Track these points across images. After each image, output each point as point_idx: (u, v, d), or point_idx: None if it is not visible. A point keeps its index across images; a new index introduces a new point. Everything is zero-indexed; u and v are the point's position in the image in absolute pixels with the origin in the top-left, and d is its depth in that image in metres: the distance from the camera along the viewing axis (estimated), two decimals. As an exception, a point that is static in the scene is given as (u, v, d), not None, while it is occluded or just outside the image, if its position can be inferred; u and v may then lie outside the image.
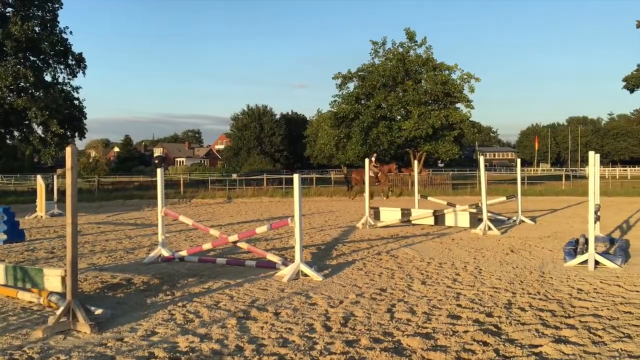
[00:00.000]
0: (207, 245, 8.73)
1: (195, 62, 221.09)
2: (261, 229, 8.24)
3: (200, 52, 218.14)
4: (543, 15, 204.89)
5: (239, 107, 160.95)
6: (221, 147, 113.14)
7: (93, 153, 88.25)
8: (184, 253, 8.84)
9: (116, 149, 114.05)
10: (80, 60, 30.69)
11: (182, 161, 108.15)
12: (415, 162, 17.47)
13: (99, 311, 5.38)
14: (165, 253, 8.85)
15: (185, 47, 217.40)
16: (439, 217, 13.22)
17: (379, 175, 25.00)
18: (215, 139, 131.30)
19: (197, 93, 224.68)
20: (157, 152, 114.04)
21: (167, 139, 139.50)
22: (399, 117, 36.43)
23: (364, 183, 24.26)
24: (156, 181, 9.28)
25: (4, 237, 11.35)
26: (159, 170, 9.13)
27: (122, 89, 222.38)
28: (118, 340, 4.72)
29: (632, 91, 44.97)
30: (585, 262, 7.84)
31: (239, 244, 8.78)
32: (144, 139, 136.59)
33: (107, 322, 5.24)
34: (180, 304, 5.99)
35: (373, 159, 24.31)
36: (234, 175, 44.61)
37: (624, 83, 44.77)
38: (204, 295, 6.38)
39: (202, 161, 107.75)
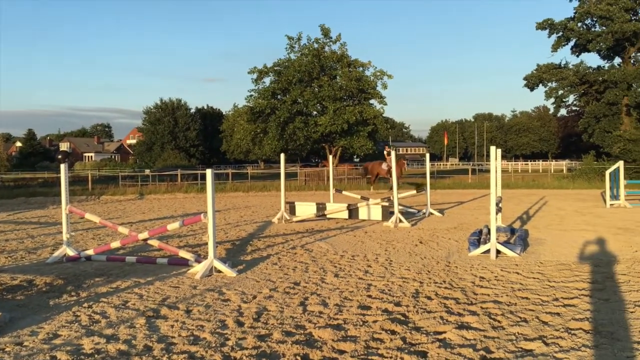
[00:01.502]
0: (115, 244, 8.41)
1: (104, 54, 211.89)
2: (173, 226, 8.04)
3: (110, 43, 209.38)
4: (453, 15, 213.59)
5: (152, 100, 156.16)
6: (133, 141, 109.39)
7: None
8: (90, 252, 8.48)
9: (18, 144, 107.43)
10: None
11: (91, 156, 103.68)
12: (331, 157, 17.65)
13: (-5, 316, 5.06)
14: (71, 252, 8.45)
15: (92, 38, 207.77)
16: (352, 211, 13.47)
17: (391, 169, 24.10)
18: (126, 133, 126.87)
19: (107, 86, 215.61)
20: (63, 146, 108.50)
21: (75, 133, 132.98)
22: (315, 113, 36.78)
23: (376, 177, 25.16)
24: (60, 177, 8.82)
25: None
26: (62, 166, 8.69)
27: (24, 80, 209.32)
28: (17, 345, 4.47)
29: (532, 89, 47.89)
30: (488, 251, 8.28)
31: (149, 242, 8.54)
32: (50, 133, 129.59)
33: (6, 326, 4.95)
34: (85, 304, 5.75)
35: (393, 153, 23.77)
36: (147, 171, 43.21)
37: (525, 82, 47.55)
38: (112, 295, 6.16)
39: (113, 156, 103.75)
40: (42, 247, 9.97)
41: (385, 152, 25.85)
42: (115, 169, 60.91)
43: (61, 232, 9.12)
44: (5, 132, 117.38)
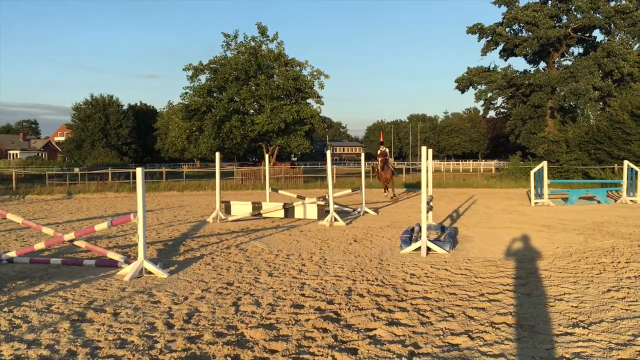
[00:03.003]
0: (39, 245, 8.05)
1: (30, 47, 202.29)
2: (101, 226, 7.78)
3: (37, 35, 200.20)
4: (388, 16, 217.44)
5: (81, 96, 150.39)
6: (61, 139, 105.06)
7: None
8: (12, 254, 8.07)
9: None
10: None
11: (16, 154, 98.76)
12: (267, 155, 17.58)
13: None
14: (-10, 255, 8.02)
15: (19, 31, 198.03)
16: (288, 210, 13.48)
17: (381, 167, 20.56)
18: (54, 130, 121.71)
19: (33, 80, 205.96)
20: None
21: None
22: (252, 111, 36.50)
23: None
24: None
25: None
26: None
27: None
28: None
29: (463, 92, 49.47)
30: (419, 249, 8.49)
31: (76, 243, 8.23)
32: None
33: None
34: (6, 309, 5.47)
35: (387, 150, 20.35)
36: (76, 170, 41.63)
37: (456, 84, 49.07)
38: (35, 299, 5.89)
39: (40, 154, 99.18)
40: (-42, 250, 9.41)
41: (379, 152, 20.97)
42: (42, 167, 58.26)
43: (-20, 234, 8.64)
44: None
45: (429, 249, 8.50)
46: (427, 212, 9.29)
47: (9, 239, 10.74)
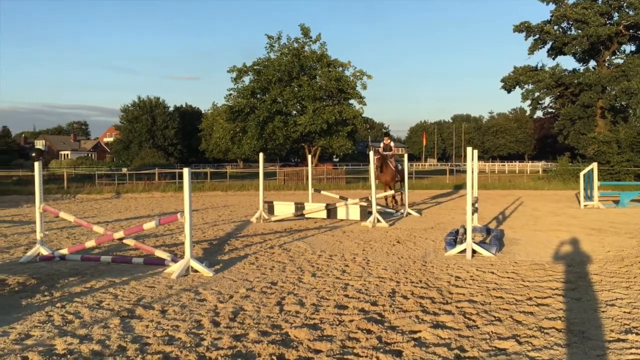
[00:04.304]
0: (90, 243, 8.31)
1: (81, 51, 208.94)
2: (149, 225, 7.97)
3: (87, 40, 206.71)
4: (433, 16, 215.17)
5: (129, 98, 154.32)
6: (110, 139, 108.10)
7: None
8: (64, 251, 8.36)
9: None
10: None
11: (67, 154, 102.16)
12: (310, 156, 17.66)
13: (-35, 316, 4.96)
14: (44, 252, 8.32)
15: (69, 35, 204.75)
16: (331, 211, 13.49)
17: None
18: (103, 131, 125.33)
19: (83, 83, 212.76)
20: (39, 144, 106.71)
21: (50, 131, 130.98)
22: (294, 112, 36.76)
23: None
24: (35, 175, 8.67)
25: None
26: (36, 164, 8.54)
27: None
28: (-13, 346, 4.39)
29: (509, 91, 48.48)
30: (464, 251, 8.36)
31: (125, 241, 8.46)
32: (25, 131, 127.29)
33: (-25, 327, 4.85)
34: (59, 304, 5.67)
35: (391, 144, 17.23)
36: (124, 170, 42.78)
37: (502, 84, 48.13)
38: (86, 295, 6.08)
39: (90, 154, 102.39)
40: (15, 246, 9.80)
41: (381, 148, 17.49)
42: (92, 167, 60.15)
43: (35, 231, 8.97)
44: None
45: (474, 251, 8.36)
46: (473, 213, 9.14)
47: (61, 237, 11.11)
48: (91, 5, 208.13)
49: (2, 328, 4.85)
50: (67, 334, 4.67)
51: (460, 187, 26.79)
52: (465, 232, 8.85)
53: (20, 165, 70.57)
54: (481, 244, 8.85)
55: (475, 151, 9.64)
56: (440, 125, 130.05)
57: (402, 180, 16.50)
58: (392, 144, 17.22)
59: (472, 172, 9.12)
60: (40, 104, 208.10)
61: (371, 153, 14.14)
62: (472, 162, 9.16)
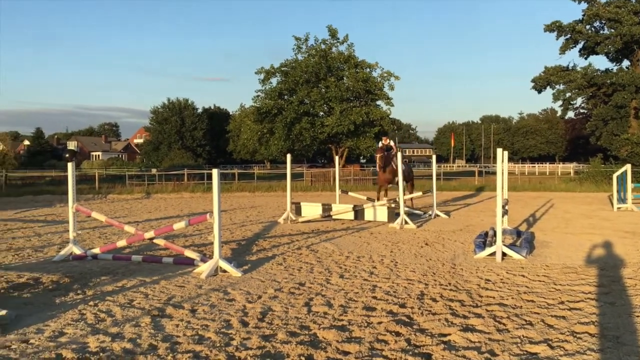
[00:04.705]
0: (121, 243, 8.46)
1: (112, 53, 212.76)
2: (179, 225, 8.07)
3: (117, 43, 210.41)
4: (461, 16, 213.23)
5: (159, 100, 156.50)
6: (140, 141, 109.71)
7: (0, 146, 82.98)
8: (96, 251, 8.52)
9: (26, 142, 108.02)
10: (-16, 47, 28.77)
11: (99, 155, 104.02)
12: (337, 157, 17.68)
13: (2, 312, 5.08)
14: (77, 251, 8.49)
15: (100, 38, 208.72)
16: (358, 212, 13.47)
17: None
18: (133, 132, 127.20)
19: (115, 85, 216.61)
20: (71, 145, 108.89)
21: (82, 132, 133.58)
22: (321, 113, 36.81)
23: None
24: (68, 176, 8.86)
25: None
26: (69, 165, 8.73)
27: (33, 79, 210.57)
28: (23, 342, 4.49)
29: (539, 92, 47.71)
30: (494, 254, 8.26)
31: (155, 241, 8.58)
32: (57, 132, 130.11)
33: (12, 323, 4.97)
34: (91, 303, 5.78)
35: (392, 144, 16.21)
36: (154, 170, 43.42)
37: (533, 84, 47.40)
38: (118, 294, 6.18)
39: (120, 155, 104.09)
40: (48, 245, 10.02)
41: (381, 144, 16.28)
42: (123, 168, 61.17)
43: (68, 231, 9.17)
44: (13, 131, 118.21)
45: (504, 254, 8.25)
46: (503, 216, 9.02)
47: (93, 237, 11.33)
48: (122, 7, 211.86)
49: (37, 325, 4.96)
50: (99, 332, 4.75)
51: (489, 189, 26.46)
52: (495, 235, 8.74)
53: (53, 166, 72.12)
54: (511, 246, 8.73)
55: (506, 152, 9.52)
56: (468, 126, 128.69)
57: (411, 182, 16.36)
58: (391, 143, 16.22)
59: (502, 173, 9.01)
60: (73, 106, 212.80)
61: (379, 149, 14.53)
62: (502, 163, 9.05)
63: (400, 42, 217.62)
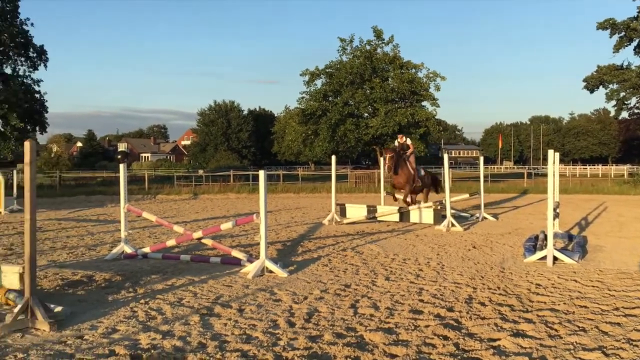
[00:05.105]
0: (170, 242, 8.65)
1: (160, 57, 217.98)
2: (226, 226, 8.20)
3: (166, 46, 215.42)
4: (507, 15, 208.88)
5: (206, 102, 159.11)
6: (187, 142, 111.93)
7: (55, 148, 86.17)
8: (147, 250, 8.74)
9: (79, 144, 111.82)
10: (41, 53, 29.93)
11: (148, 157, 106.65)
12: (382, 159, 17.59)
13: (58, 309, 5.28)
14: (128, 250, 8.73)
15: (149, 42, 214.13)
16: (404, 214, 13.36)
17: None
18: (181, 134, 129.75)
19: (163, 88, 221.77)
20: (122, 147, 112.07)
21: (132, 134, 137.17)
22: (366, 115, 36.73)
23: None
24: (119, 177, 9.13)
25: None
26: (121, 166, 8.99)
27: (85, 82, 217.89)
28: (78, 338, 4.65)
29: (592, 91, 46.18)
30: (544, 257, 8.05)
31: (203, 241, 8.74)
32: (108, 134, 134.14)
33: (67, 319, 5.15)
34: (142, 301, 5.93)
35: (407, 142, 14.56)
36: (201, 172, 44.21)
37: (584, 83, 45.98)
38: (167, 292, 6.32)
39: (168, 157, 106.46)
40: (101, 244, 10.34)
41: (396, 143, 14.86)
42: (171, 169, 62.48)
43: (119, 230, 9.44)
44: (67, 133, 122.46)
45: (555, 258, 8.02)
46: (554, 219, 8.78)
47: (143, 236, 11.62)
48: (170, 12, 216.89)
49: (91, 322, 5.12)
50: (150, 330, 4.87)
51: (538, 191, 25.79)
52: (545, 238, 8.53)
53: (104, 167, 74.42)
54: (563, 250, 8.48)
55: (557, 154, 9.26)
56: (517, 127, 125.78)
57: (435, 187, 15.26)
58: (408, 141, 14.56)
59: (554, 175, 8.77)
60: (123, 109, 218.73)
61: (388, 149, 13.50)
62: (553, 165, 8.82)
63: (447, 41, 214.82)
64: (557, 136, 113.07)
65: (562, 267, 7.73)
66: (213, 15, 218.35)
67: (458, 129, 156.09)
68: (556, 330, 4.82)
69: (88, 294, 6.31)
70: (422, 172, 14.48)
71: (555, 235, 9.69)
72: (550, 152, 8.80)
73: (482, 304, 5.71)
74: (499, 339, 4.56)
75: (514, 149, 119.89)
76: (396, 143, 14.50)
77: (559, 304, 5.70)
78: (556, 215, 10.04)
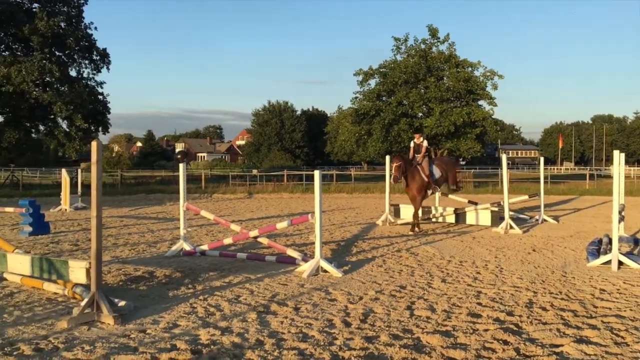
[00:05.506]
0: (228, 240, 8.81)
1: (216, 59, 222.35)
2: (281, 225, 8.29)
3: (221, 48, 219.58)
4: (567, 11, 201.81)
5: (260, 103, 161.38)
6: (242, 142, 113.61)
7: (116, 147, 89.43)
8: (205, 247, 8.94)
9: (139, 144, 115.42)
10: (104, 56, 31.07)
11: (204, 156, 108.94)
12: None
13: (122, 303, 5.47)
14: (187, 247, 8.95)
15: (206, 44, 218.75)
16: (460, 215, 13.14)
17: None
18: (236, 134, 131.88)
19: (219, 89, 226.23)
20: (179, 147, 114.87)
21: (189, 134, 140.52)
22: (420, 114, 36.30)
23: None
24: (178, 176, 9.37)
25: (30, 229, 11.58)
26: (181, 165, 9.22)
27: (145, 84, 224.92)
28: (141, 332, 4.80)
29: (659, 89, 44.00)
30: (609, 262, 7.74)
31: (259, 239, 8.87)
32: (166, 134, 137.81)
33: (130, 314, 5.33)
34: (201, 297, 6.06)
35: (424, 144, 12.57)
36: (255, 171, 44.78)
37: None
38: (225, 289, 6.44)
39: (223, 156, 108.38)
40: (161, 241, 10.65)
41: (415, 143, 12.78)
42: (226, 168, 63.62)
43: (178, 228, 9.70)
44: (127, 133, 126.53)
45: (620, 262, 7.70)
46: (619, 222, 8.43)
47: (200, 234, 11.89)
48: (226, 15, 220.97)
49: (153, 317, 5.28)
50: (209, 326, 4.97)
51: (601, 193, 24.81)
52: (610, 242, 8.20)
53: (162, 166, 76.51)
54: (629, 255, 8.13)
55: (622, 155, 8.88)
56: (578, 127, 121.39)
57: (452, 179, 13.27)
58: (424, 142, 12.59)
59: (619, 177, 8.42)
60: (180, 109, 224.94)
61: (396, 158, 11.82)
62: (619, 166, 8.47)
63: (505, 38, 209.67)
64: (621, 136, 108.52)
65: (627, 272, 7.41)
66: (263, 16, 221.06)
67: (516, 128, 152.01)
68: (622, 337, 4.63)
69: (149, 290, 6.50)
70: (438, 174, 12.66)
71: (620, 239, 9.28)
72: (616, 152, 8.46)
73: (544, 309, 5.54)
74: (562, 345, 4.42)
75: (575, 150, 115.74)
76: (412, 144, 12.73)
77: (625, 310, 5.47)
78: (621, 219, 9.63)
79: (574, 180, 36.13)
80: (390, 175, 11.99)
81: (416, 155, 12.39)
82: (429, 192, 12.53)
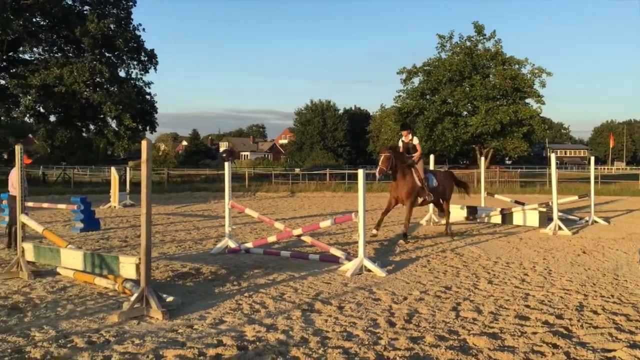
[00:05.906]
0: (272, 238, 8.88)
1: (260, 59, 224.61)
2: (325, 224, 8.31)
3: (265, 48, 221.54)
4: (618, 6, 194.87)
5: (303, 102, 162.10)
6: (284, 141, 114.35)
7: (162, 146, 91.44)
8: (249, 245, 9.04)
9: (184, 143, 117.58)
10: (152, 57, 31.85)
11: (247, 155, 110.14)
12: (482, 158, 17.03)
13: (170, 299, 5.60)
14: (232, 244, 9.08)
15: (250, 44, 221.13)
16: (506, 216, 12.89)
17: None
18: (278, 133, 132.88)
19: (262, 89, 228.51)
20: (223, 146, 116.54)
21: (233, 134, 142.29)
22: (465, 113, 35.79)
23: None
24: (222, 174, 9.51)
25: (81, 225, 11.96)
26: (226, 164, 9.35)
27: (190, 85, 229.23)
28: (188, 327, 4.90)
29: None
30: (664, 266, 7.46)
31: (302, 238, 8.92)
32: (211, 133, 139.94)
33: (178, 309, 5.45)
34: (246, 294, 6.14)
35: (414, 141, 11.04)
36: (297, 170, 45.07)
37: None
38: (269, 287, 6.51)
39: (266, 155, 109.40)
40: (206, 238, 10.83)
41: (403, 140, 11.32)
42: (269, 167, 64.25)
43: (222, 225, 9.85)
44: (173, 132, 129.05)
45: (677, 266, 7.41)
46: (675, 224, 8.12)
47: (244, 231, 12.04)
48: (268, 14, 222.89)
49: (199, 312, 5.38)
50: (255, 322, 5.03)
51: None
52: (665, 245, 7.88)
53: (207, 165, 77.72)
54: (686, 258, 7.81)
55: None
56: (630, 125, 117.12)
57: (445, 200, 11.71)
58: (414, 141, 11.01)
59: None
60: (224, 109, 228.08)
61: (383, 150, 10.50)
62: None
63: (554, 35, 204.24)
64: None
65: (685, 277, 7.12)
66: (305, 16, 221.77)
67: (564, 127, 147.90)
68: (680, 344, 4.45)
69: (196, 286, 6.63)
70: (435, 183, 11.01)
71: (677, 242, 8.95)
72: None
73: (595, 312, 5.38)
74: (614, 350, 4.28)
75: (627, 149, 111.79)
76: (400, 142, 11.27)
77: (682, 317, 5.25)
78: (678, 221, 9.26)
79: (626, 180, 34.88)
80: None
81: (407, 154, 10.84)
82: (420, 199, 10.94)
